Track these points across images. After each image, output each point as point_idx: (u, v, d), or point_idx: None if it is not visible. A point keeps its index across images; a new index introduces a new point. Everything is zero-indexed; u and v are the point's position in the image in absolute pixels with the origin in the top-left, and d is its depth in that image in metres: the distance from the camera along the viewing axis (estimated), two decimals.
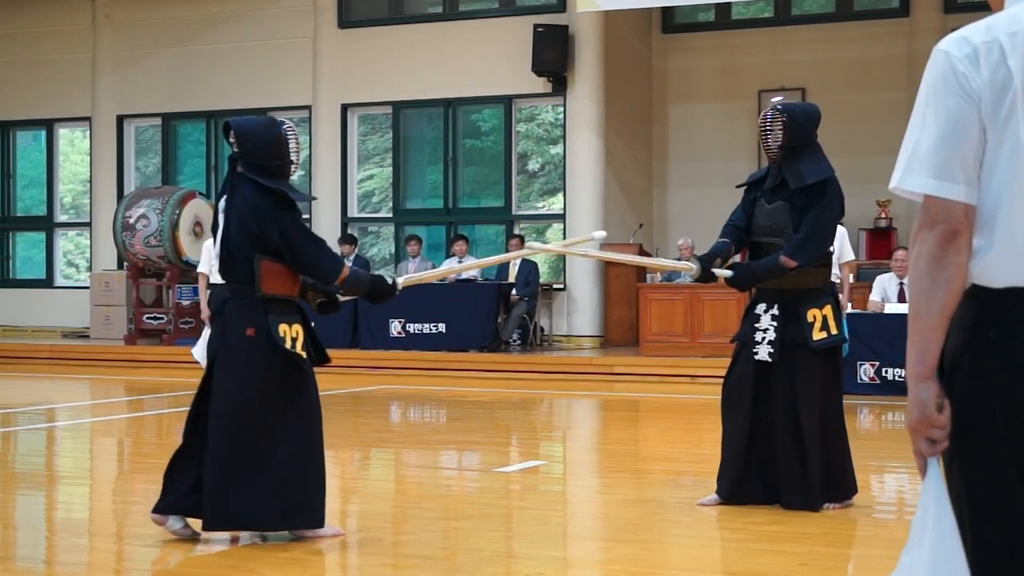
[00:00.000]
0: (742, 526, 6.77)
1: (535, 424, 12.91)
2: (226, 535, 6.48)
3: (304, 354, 6.41)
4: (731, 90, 20.10)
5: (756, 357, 7.18)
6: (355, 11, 20.72)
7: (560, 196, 19.71)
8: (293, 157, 6.59)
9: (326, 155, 20.70)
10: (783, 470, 7.08)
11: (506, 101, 19.88)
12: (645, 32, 20.63)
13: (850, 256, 12.05)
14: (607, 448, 10.87)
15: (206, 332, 12.69)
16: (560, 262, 19.79)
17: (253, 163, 6.43)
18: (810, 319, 7.12)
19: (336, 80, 20.56)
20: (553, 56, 18.78)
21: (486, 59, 19.66)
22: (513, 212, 20.00)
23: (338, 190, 20.72)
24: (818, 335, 7.10)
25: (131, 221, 19.61)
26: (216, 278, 12.11)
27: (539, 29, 18.77)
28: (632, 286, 17.83)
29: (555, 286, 19.30)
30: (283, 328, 6.31)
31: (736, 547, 6.40)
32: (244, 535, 6.48)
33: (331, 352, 18.87)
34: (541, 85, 19.26)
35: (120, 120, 22.28)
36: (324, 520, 6.47)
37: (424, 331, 17.60)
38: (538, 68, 18.88)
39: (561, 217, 19.55)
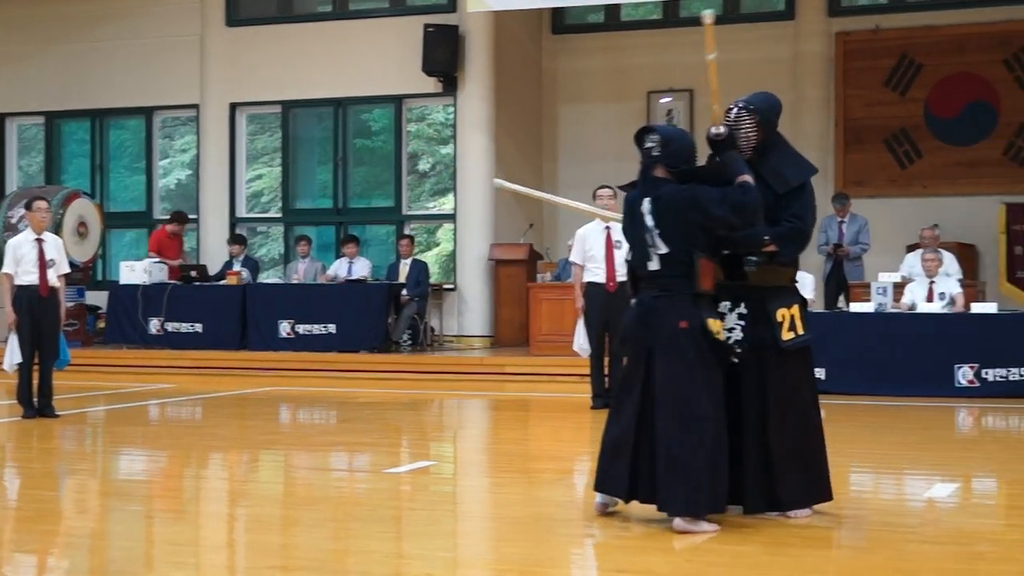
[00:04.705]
0: (633, 525, 6.80)
1: (425, 425, 12.89)
2: None
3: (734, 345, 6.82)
4: (620, 91, 20.24)
5: None
6: (243, 9, 20.53)
7: (451, 196, 19.70)
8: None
9: (214, 155, 20.48)
10: (749, 474, 6.86)
11: (396, 101, 19.83)
12: (535, 33, 20.69)
13: None
14: (498, 448, 10.90)
15: (13, 339, 12.26)
16: (451, 262, 19.78)
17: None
18: (779, 319, 6.89)
19: (224, 79, 20.36)
20: (443, 56, 18.76)
21: (376, 59, 19.59)
22: (403, 212, 19.95)
23: (226, 190, 20.52)
24: (787, 335, 6.88)
25: (13, 221, 19.21)
26: (23, 280, 11.87)
27: (429, 29, 18.75)
28: (522, 286, 17.86)
29: (445, 286, 19.29)
30: (712, 322, 6.67)
31: (626, 545, 6.43)
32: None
33: (218, 354, 18.70)
34: (431, 85, 19.24)
35: (2, 118, 21.87)
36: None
37: (314, 332, 17.49)
38: (428, 68, 18.85)
39: (452, 217, 19.53)
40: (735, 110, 7.09)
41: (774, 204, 6.97)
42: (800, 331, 6.94)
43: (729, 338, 6.95)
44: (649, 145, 6.86)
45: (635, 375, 6.82)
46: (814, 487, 6.98)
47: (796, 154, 7.19)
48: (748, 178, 6.75)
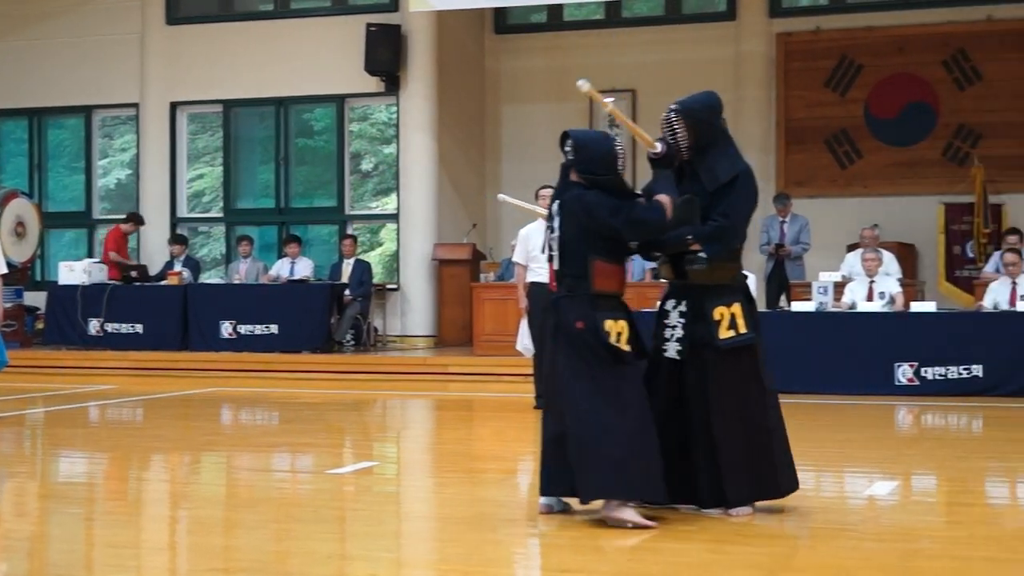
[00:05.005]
0: (577, 524, 6.81)
1: (369, 425, 12.86)
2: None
3: (628, 348, 6.79)
4: (563, 91, 20.25)
5: (666, 355, 7.01)
6: (184, 7, 20.40)
7: (394, 196, 19.67)
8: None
9: (154, 154, 20.34)
10: (699, 471, 6.92)
11: (339, 100, 19.77)
12: (478, 32, 20.69)
13: None
14: (441, 448, 10.88)
15: None
16: (394, 262, 19.74)
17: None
18: (716, 317, 6.89)
19: (164, 78, 20.22)
20: (386, 56, 18.73)
21: (318, 58, 19.53)
22: (346, 212, 19.90)
23: (167, 190, 20.38)
24: (725, 334, 6.88)
25: None
26: None
27: (372, 28, 18.71)
28: (466, 286, 17.86)
29: (389, 286, 19.26)
30: (608, 324, 6.73)
31: (569, 544, 6.44)
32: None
33: (160, 355, 18.55)
34: (374, 85, 19.20)
35: None
36: (664, 495, 6.78)
37: (256, 332, 17.40)
38: (371, 67, 18.81)
39: (395, 217, 19.50)
40: (666, 113, 7.13)
41: (708, 202, 7.01)
42: (741, 330, 6.93)
43: (673, 335, 7.02)
44: (566, 150, 7.01)
45: (552, 373, 6.97)
46: (759, 485, 6.99)
47: (734, 152, 7.18)
48: (664, 199, 6.85)
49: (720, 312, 6.93)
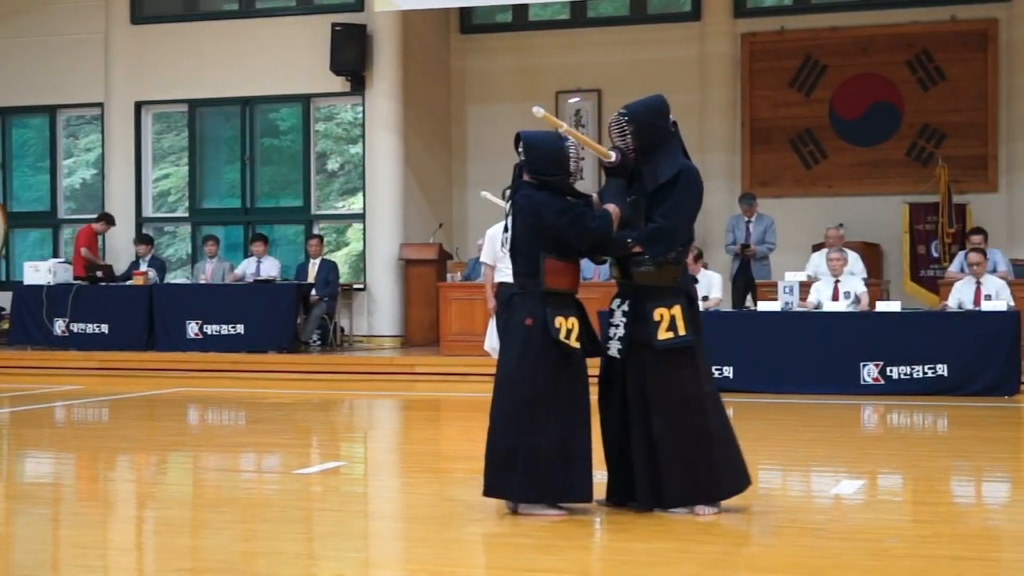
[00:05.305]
0: (543, 524, 6.82)
1: (336, 425, 12.84)
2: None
3: (578, 345, 6.91)
4: (528, 91, 20.27)
5: (609, 354, 7.09)
6: (148, 7, 20.30)
7: (360, 196, 19.64)
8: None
9: (120, 154, 20.23)
10: (636, 471, 6.94)
11: (304, 100, 19.72)
12: (443, 32, 20.68)
13: None
14: (408, 448, 10.88)
15: None
16: (360, 262, 19.72)
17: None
18: (656, 318, 6.92)
19: (129, 77, 20.13)
20: (351, 55, 18.70)
21: (284, 57, 19.47)
22: (312, 212, 19.85)
23: (132, 190, 20.29)
24: (664, 335, 6.90)
25: None
26: None
27: (337, 28, 18.68)
28: (432, 286, 17.85)
29: (355, 286, 19.22)
30: (559, 320, 6.87)
31: (536, 544, 6.45)
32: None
33: (125, 355, 18.46)
34: (339, 84, 19.16)
35: None
36: (591, 495, 6.91)
37: (222, 332, 17.34)
38: (336, 67, 18.77)
39: (361, 217, 19.47)
40: (615, 117, 7.20)
41: (649, 203, 7.06)
42: (680, 332, 6.95)
43: (616, 334, 7.09)
44: (519, 150, 7.13)
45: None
46: (697, 487, 6.95)
47: (679, 152, 7.19)
48: (612, 208, 6.99)
49: (660, 313, 6.96)
